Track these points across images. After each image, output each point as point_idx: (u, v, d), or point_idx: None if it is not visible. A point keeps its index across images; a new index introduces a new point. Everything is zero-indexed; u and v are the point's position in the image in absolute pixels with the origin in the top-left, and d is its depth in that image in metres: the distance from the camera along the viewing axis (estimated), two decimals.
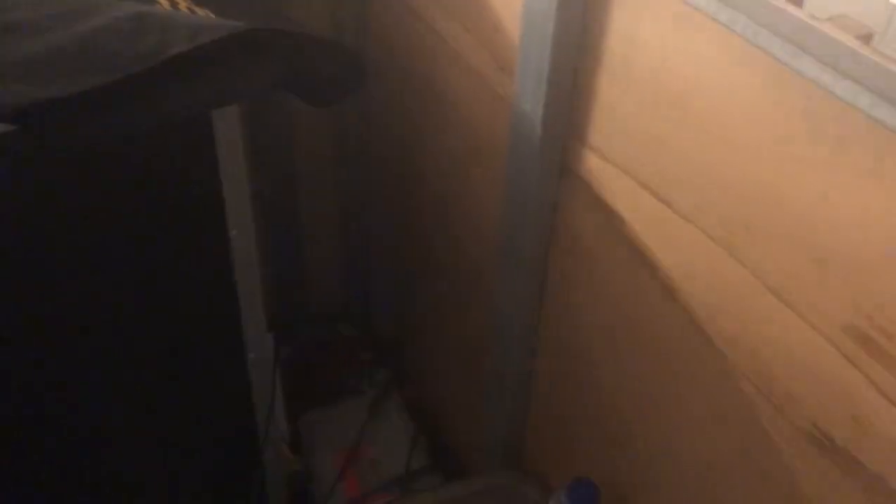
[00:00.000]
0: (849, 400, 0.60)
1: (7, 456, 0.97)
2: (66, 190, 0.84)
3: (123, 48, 0.78)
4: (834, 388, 0.61)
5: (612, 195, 0.81)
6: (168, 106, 0.81)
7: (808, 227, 0.60)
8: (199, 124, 0.90)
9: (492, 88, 0.97)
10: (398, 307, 1.55)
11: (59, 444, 1.01)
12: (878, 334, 0.56)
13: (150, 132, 0.86)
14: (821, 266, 0.60)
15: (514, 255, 0.96)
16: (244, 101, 0.91)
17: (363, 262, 1.61)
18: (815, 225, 0.59)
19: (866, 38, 0.54)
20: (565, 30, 0.78)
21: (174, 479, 1.18)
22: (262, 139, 1.27)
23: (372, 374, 1.54)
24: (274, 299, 1.12)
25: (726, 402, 0.73)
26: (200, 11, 0.88)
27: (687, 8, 0.65)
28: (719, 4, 0.61)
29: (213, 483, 1.22)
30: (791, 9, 0.56)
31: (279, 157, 1.45)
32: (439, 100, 1.12)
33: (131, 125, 0.80)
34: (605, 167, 0.81)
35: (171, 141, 0.89)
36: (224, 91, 0.84)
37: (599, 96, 0.79)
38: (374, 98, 1.32)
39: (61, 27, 0.79)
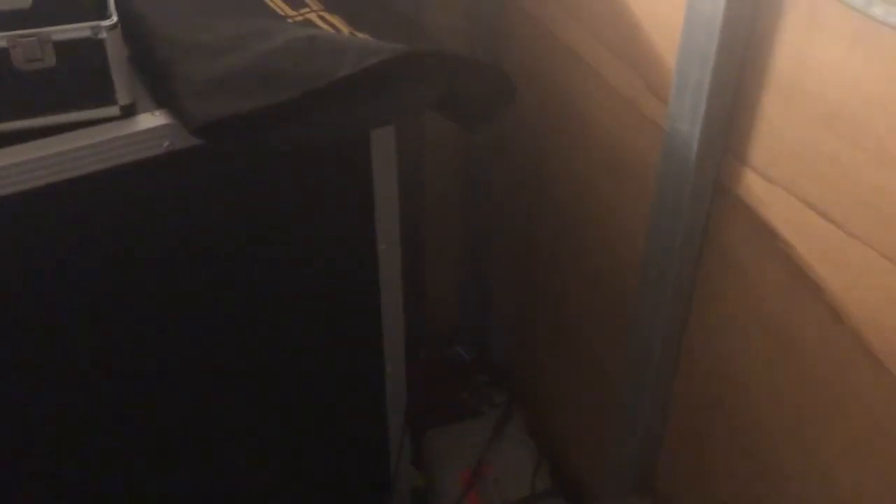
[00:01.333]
0: None
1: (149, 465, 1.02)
2: (226, 205, 0.89)
3: (297, 69, 0.83)
4: None
5: (773, 215, 0.80)
6: (335, 123, 0.84)
7: None
8: (356, 142, 0.94)
9: (638, 111, 0.98)
10: (518, 331, 1.56)
11: (198, 455, 1.06)
12: None
13: (314, 148, 0.90)
14: None
15: (659, 277, 0.96)
16: (400, 121, 0.95)
17: (482, 285, 1.63)
18: None
19: None
20: (729, 49, 0.79)
21: (306, 489, 1.21)
22: None
23: (491, 395, 1.54)
24: None
25: None
26: (361, 35, 0.92)
27: (869, 23, 0.65)
28: None
29: (343, 493, 1.25)
30: None
31: (406, 178, 1.48)
32: (577, 123, 1.13)
33: (302, 140, 0.84)
34: (766, 186, 0.81)
35: (330, 157, 0.94)
36: (385, 111, 0.88)
37: (762, 115, 0.79)
38: (506, 120, 1.34)
39: (240, 49, 0.84)
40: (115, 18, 0.75)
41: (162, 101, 0.81)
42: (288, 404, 1.09)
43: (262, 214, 0.91)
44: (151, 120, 0.79)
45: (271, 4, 0.96)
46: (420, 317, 1.69)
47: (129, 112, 0.79)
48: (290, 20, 0.93)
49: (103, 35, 0.74)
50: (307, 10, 0.95)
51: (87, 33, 0.74)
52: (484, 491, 1.35)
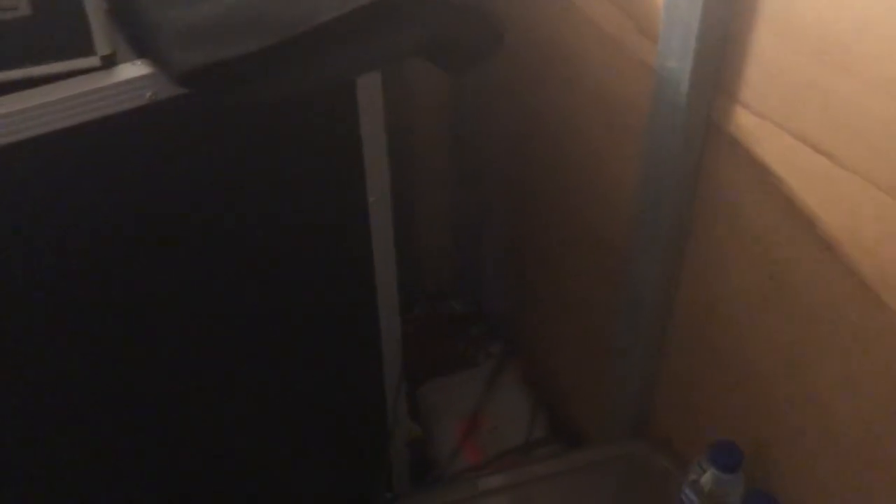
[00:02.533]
0: None
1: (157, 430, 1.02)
2: (211, 157, 0.88)
3: (277, 13, 0.81)
4: None
5: (766, 151, 0.80)
6: (319, 70, 0.83)
7: None
8: (342, 90, 0.92)
9: (628, 52, 0.97)
10: (510, 282, 1.56)
11: (200, 414, 1.06)
12: None
13: (297, 97, 0.89)
14: None
15: (653, 218, 0.96)
16: (386, 67, 0.93)
17: (474, 238, 1.62)
18: None
19: None
20: None
21: (305, 447, 1.22)
22: None
23: (486, 347, 1.55)
24: None
25: None
26: None
27: None
28: None
29: (342, 450, 1.26)
30: None
31: (393, 133, 1.47)
32: (565, 66, 1.11)
33: (286, 87, 0.82)
34: (758, 122, 0.80)
35: (315, 107, 0.92)
36: (371, 56, 0.86)
37: (753, 49, 0.78)
38: (492, 66, 1.32)
39: None
40: None
41: (143, 51, 0.79)
42: (281, 361, 1.09)
43: (247, 165, 0.90)
44: (133, 70, 0.77)
45: None
46: (413, 272, 1.69)
47: (109, 62, 0.77)
48: None
49: None
50: None
51: None
52: (481, 440, 1.36)
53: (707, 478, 0.90)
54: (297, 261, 1.01)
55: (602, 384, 1.21)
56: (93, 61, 0.76)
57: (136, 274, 0.89)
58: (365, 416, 1.23)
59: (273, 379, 1.10)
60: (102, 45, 0.76)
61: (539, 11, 1.14)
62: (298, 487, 1.25)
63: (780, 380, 0.88)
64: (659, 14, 0.86)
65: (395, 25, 0.85)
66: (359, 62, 0.86)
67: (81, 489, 1.01)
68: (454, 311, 1.67)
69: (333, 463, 1.27)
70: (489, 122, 1.41)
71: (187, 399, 1.03)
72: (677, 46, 0.84)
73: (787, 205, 0.79)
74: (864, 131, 0.68)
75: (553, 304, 1.39)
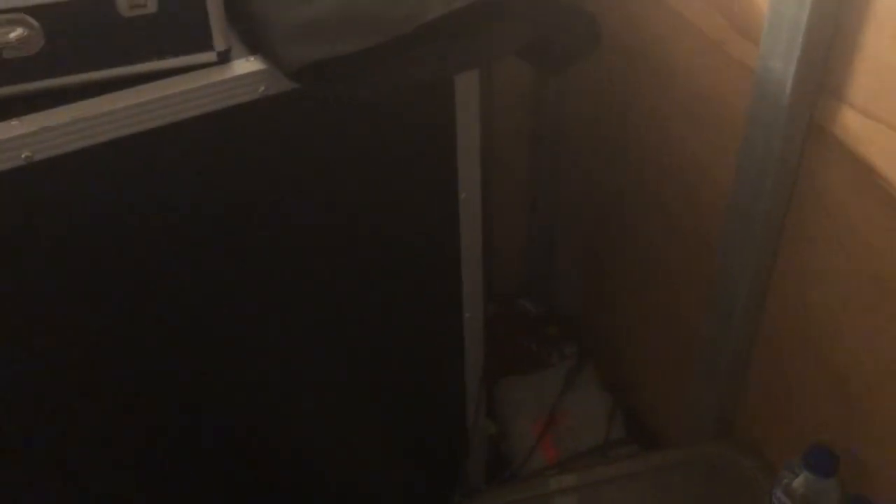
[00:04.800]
0: None
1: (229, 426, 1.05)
2: (316, 149, 0.90)
3: (385, 11, 0.83)
4: None
5: (875, 152, 0.79)
6: (424, 67, 0.85)
7: None
8: (441, 87, 0.94)
9: (725, 52, 0.96)
10: (586, 283, 1.56)
11: (283, 412, 1.08)
12: None
13: (400, 93, 0.91)
14: None
15: (748, 217, 0.95)
16: (488, 64, 0.95)
17: (549, 238, 1.63)
18: None
19: None
20: None
21: (386, 444, 1.24)
22: None
23: (561, 347, 1.55)
24: None
25: None
26: None
27: None
28: None
29: (420, 446, 1.27)
30: None
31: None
32: (659, 67, 1.11)
33: (391, 82, 0.84)
34: (865, 123, 0.79)
35: (415, 103, 0.94)
36: (473, 53, 0.88)
37: (862, 49, 0.78)
38: (576, 67, 1.32)
39: None
40: None
41: (256, 47, 0.82)
42: (368, 356, 1.11)
43: (350, 158, 0.92)
44: (247, 66, 0.80)
45: None
46: (488, 272, 1.69)
47: (225, 58, 0.80)
48: None
49: None
50: None
51: None
52: (557, 439, 1.37)
53: (800, 481, 0.89)
54: (389, 254, 1.03)
55: (685, 387, 1.21)
56: (210, 56, 0.79)
57: (244, 259, 0.92)
58: (445, 413, 1.24)
59: (358, 374, 1.13)
60: (220, 42, 0.79)
61: (632, 11, 1.14)
62: (378, 484, 1.27)
63: (877, 383, 0.87)
64: (759, 14, 0.86)
65: (497, 23, 0.87)
66: (462, 59, 0.87)
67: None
68: (527, 310, 1.68)
69: (412, 459, 1.29)
70: (571, 121, 1.41)
71: (272, 394, 1.06)
72: (781, 47, 0.83)
73: (893, 203, 0.78)
74: None
75: (633, 307, 1.39)
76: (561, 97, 1.41)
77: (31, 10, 0.72)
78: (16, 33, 0.72)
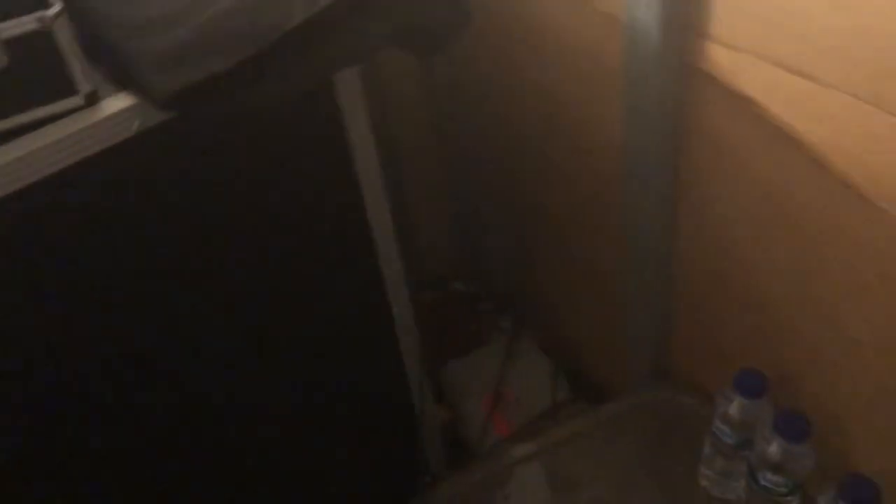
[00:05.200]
0: None
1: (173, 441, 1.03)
2: (206, 175, 0.89)
3: (248, 25, 0.82)
4: None
5: (746, 82, 0.81)
6: (298, 73, 0.84)
7: None
8: (322, 89, 0.93)
9: (594, 6, 0.98)
10: (513, 255, 1.57)
11: (226, 421, 1.07)
12: None
13: (280, 103, 0.90)
14: None
15: (643, 164, 0.98)
16: (361, 61, 0.94)
17: (470, 217, 1.64)
18: None
19: None
20: None
21: (338, 445, 1.23)
22: None
23: (497, 322, 1.57)
24: None
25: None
26: None
27: None
28: None
29: (375, 442, 1.27)
30: None
31: (377, 123, 1.48)
32: (534, 31, 1.13)
33: (268, 96, 0.83)
34: (733, 56, 0.81)
35: (299, 110, 0.93)
36: (344, 53, 0.87)
37: None
38: (460, 43, 1.33)
39: (190, 15, 0.83)
40: (59, 5, 0.73)
41: (123, 82, 0.80)
42: (302, 367, 1.11)
43: (243, 178, 0.91)
44: (117, 103, 0.78)
45: None
46: (415, 260, 1.70)
47: (92, 99, 0.78)
48: None
49: (51, 24, 0.73)
50: None
51: (34, 25, 0.72)
52: (508, 412, 1.38)
53: (735, 406, 0.92)
54: (303, 262, 1.02)
55: (616, 336, 1.23)
56: (76, 101, 0.77)
57: (144, 303, 0.90)
58: (392, 406, 1.25)
59: (296, 380, 1.12)
60: (84, 83, 0.77)
61: None
62: (337, 485, 1.27)
63: (790, 300, 0.90)
64: None
65: (363, 19, 0.86)
66: (334, 60, 0.87)
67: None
68: (461, 291, 1.69)
69: (369, 456, 1.29)
70: (469, 102, 1.42)
71: (214, 403, 1.04)
72: None
73: (774, 130, 0.81)
74: (838, 47, 0.70)
75: (557, 269, 1.41)
76: (453, 78, 1.42)
77: None
78: None
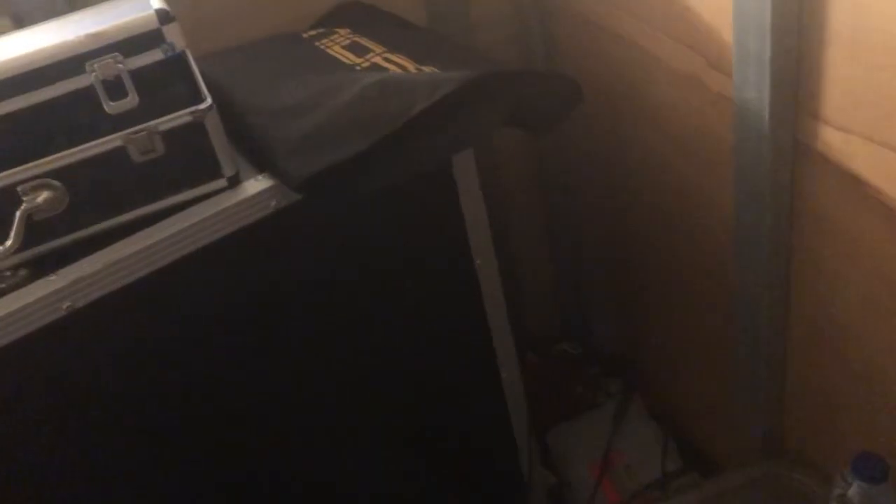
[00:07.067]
0: None
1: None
2: (334, 248, 0.95)
3: (374, 114, 0.88)
4: None
5: (857, 164, 0.82)
6: (419, 156, 0.90)
7: None
8: (440, 169, 0.99)
9: (704, 86, 1.00)
10: (621, 319, 1.58)
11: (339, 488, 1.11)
12: None
13: (402, 182, 0.95)
14: None
15: (754, 241, 0.98)
16: (478, 142, 0.99)
17: (578, 280, 1.66)
18: None
19: None
20: (783, 11, 0.81)
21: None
22: None
23: (605, 386, 1.57)
24: None
25: None
26: (427, 69, 0.98)
27: None
28: None
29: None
30: None
31: (487, 192, 1.53)
32: (645, 111, 1.15)
33: (391, 177, 0.89)
34: (844, 137, 0.82)
35: (418, 188, 0.99)
36: (462, 135, 0.93)
37: (828, 69, 0.81)
38: (570, 118, 1.37)
39: (321, 104, 0.91)
40: (209, 101, 0.82)
41: (262, 165, 0.88)
42: (413, 431, 1.14)
43: (366, 250, 0.97)
44: (256, 185, 0.86)
45: (339, 56, 1.02)
46: (522, 322, 1.73)
47: (234, 182, 0.86)
48: (358, 67, 0.99)
49: (202, 117, 0.81)
50: (372, 54, 1.01)
51: (188, 119, 0.81)
52: (617, 478, 1.38)
53: (854, 490, 0.90)
54: (418, 334, 1.07)
55: (727, 407, 1.22)
56: (220, 183, 0.85)
57: (277, 368, 0.97)
58: (502, 472, 1.27)
59: (407, 446, 1.16)
60: (228, 168, 0.85)
61: (613, 63, 1.19)
62: None
63: None
64: (730, 48, 0.90)
65: (482, 103, 0.92)
66: (453, 143, 0.92)
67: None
68: (567, 353, 1.70)
69: None
70: (578, 168, 1.45)
71: (328, 465, 1.09)
72: (753, 77, 0.87)
73: (887, 212, 0.80)
74: None
75: (666, 336, 1.40)
76: (562, 148, 1.46)
77: (54, 174, 0.78)
78: (42, 197, 0.79)
